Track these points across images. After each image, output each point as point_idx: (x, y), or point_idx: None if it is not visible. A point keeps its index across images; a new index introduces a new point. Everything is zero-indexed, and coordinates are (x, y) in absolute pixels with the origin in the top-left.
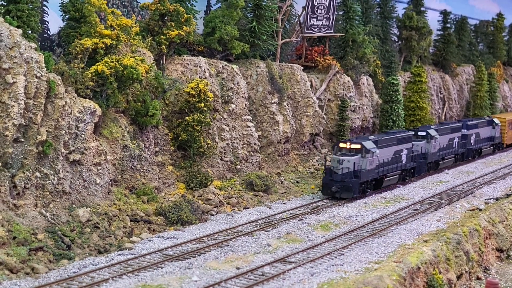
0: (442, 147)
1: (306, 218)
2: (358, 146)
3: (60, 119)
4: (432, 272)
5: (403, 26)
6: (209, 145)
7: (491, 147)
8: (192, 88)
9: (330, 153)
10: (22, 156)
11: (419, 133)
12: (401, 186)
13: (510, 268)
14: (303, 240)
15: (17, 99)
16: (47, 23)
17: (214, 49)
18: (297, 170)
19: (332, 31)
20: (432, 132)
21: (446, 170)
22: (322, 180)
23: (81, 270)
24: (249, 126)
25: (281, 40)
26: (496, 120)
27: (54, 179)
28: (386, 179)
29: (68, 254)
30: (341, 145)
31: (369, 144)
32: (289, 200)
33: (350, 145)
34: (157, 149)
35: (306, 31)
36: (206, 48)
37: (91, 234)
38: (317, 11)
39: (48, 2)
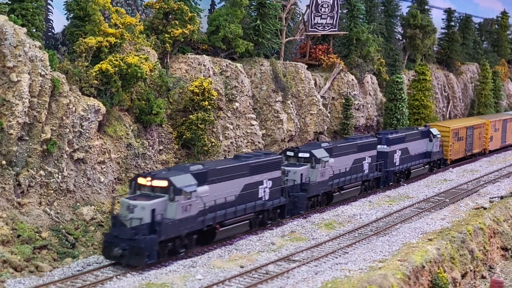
0: (339, 172)
1: (310, 216)
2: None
3: (64, 117)
4: (437, 270)
5: (407, 24)
6: (213, 144)
7: (427, 166)
8: (196, 86)
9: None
10: (26, 154)
11: (300, 155)
12: (405, 184)
13: None
14: (307, 239)
15: (21, 98)
16: (51, 21)
17: (218, 48)
18: None
19: (336, 29)
20: (320, 152)
21: (451, 168)
22: None
23: (85, 268)
24: (253, 125)
25: (285, 38)
26: (434, 131)
27: (58, 178)
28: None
29: (72, 252)
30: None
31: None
32: None
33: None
34: (161, 147)
35: (310, 29)
36: (210, 46)
37: (95, 232)
38: (321, 9)
39: (52, 1)
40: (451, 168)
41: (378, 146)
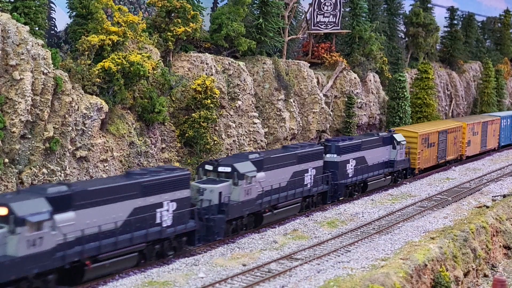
0: (270, 188)
1: (312, 215)
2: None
3: (67, 115)
4: (439, 269)
5: (410, 22)
6: (215, 142)
7: (389, 177)
8: (198, 84)
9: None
10: (29, 152)
11: (220, 169)
12: (407, 183)
13: None
14: (309, 237)
15: (24, 96)
16: (54, 19)
17: (220, 46)
18: None
19: (338, 27)
20: (244, 166)
21: (453, 167)
22: None
23: None
24: (256, 123)
25: (288, 37)
26: (398, 137)
27: (61, 176)
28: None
29: None
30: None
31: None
32: None
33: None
34: (163, 145)
35: (312, 27)
36: (213, 44)
37: None
38: (323, 7)
39: None
40: (453, 167)
41: (327, 156)
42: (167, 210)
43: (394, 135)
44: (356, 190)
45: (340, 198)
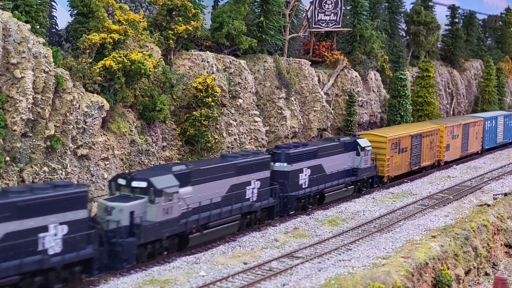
0: (199, 205)
1: (313, 213)
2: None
3: (68, 114)
4: (440, 267)
5: (411, 21)
6: (216, 140)
7: (351, 186)
8: (199, 83)
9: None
10: (30, 150)
11: (134, 184)
12: (409, 181)
13: None
14: (310, 235)
15: (25, 94)
16: (55, 18)
17: (221, 44)
18: None
19: (339, 26)
20: (163, 181)
21: (454, 165)
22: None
23: None
24: (257, 121)
25: (289, 35)
26: (363, 142)
27: (62, 174)
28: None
29: None
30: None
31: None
32: None
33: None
34: (164, 144)
35: (313, 26)
36: (214, 43)
37: None
38: (324, 6)
39: None
40: (454, 165)
41: (276, 165)
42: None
43: (358, 140)
44: (311, 203)
45: (291, 213)
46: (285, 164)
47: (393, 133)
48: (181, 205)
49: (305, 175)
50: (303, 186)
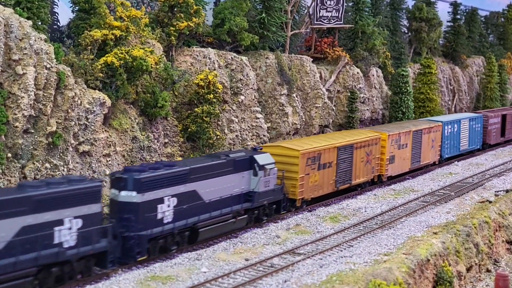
0: None
1: (315, 209)
2: None
3: (69, 110)
4: (442, 264)
5: (413, 17)
6: (218, 137)
7: (245, 216)
8: (201, 79)
9: None
10: (32, 147)
11: None
12: (410, 178)
13: None
14: (312, 232)
15: (27, 90)
16: (57, 14)
17: (223, 41)
18: None
19: (341, 22)
20: None
21: (456, 162)
22: None
23: None
24: (258, 118)
25: (291, 31)
26: (262, 158)
27: (63, 170)
28: None
29: None
30: None
31: None
32: None
33: None
34: (166, 140)
35: (315, 22)
36: (215, 39)
37: None
38: (326, 2)
39: None
40: (456, 162)
41: (121, 194)
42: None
43: (255, 156)
44: (177, 242)
45: (139, 259)
46: (134, 193)
47: (309, 145)
48: None
49: (168, 206)
50: (164, 221)
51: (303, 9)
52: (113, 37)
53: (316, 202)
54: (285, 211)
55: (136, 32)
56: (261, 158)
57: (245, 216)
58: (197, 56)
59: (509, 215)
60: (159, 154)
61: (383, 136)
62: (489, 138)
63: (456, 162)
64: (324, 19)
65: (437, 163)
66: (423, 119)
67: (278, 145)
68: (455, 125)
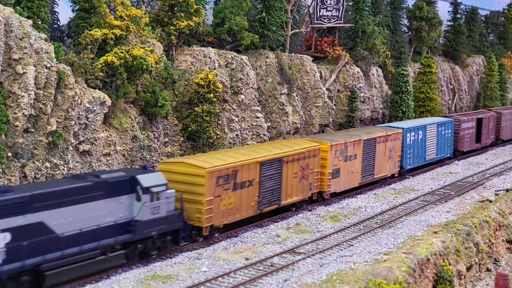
0: None
1: (315, 209)
2: None
3: (70, 109)
4: (442, 263)
5: (413, 16)
6: (218, 136)
7: (120, 252)
8: (201, 78)
9: None
10: (32, 146)
11: None
12: (411, 177)
13: None
14: (312, 231)
15: (27, 90)
16: (57, 13)
17: (223, 40)
18: None
19: (341, 21)
20: None
21: (456, 161)
22: None
23: None
24: (259, 117)
25: (291, 31)
26: (148, 179)
27: (64, 170)
28: None
29: None
30: None
31: None
32: None
33: None
34: (166, 139)
35: (315, 21)
36: (216, 39)
37: None
38: (326, 1)
39: None
40: (456, 161)
41: None
42: None
43: (138, 177)
44: None
45: None
46: None
47: (221, 161)
48: None
49: None
50: None
51: (303, 8)
52: (113, 36)
53: (235, 227)
54: (186, 242)
55: (136, 32)
56: (146, 179)
57: (122, 252)
58: (197, 55)
59: (509, 214)
60: (159, 154)
61: (324, 147)
62: (461, 145)
63: (456, 161)
64: (324, 19)
65: (396, 175)
66: (381, 126)
67: (181, 162)
68: (420, 132)
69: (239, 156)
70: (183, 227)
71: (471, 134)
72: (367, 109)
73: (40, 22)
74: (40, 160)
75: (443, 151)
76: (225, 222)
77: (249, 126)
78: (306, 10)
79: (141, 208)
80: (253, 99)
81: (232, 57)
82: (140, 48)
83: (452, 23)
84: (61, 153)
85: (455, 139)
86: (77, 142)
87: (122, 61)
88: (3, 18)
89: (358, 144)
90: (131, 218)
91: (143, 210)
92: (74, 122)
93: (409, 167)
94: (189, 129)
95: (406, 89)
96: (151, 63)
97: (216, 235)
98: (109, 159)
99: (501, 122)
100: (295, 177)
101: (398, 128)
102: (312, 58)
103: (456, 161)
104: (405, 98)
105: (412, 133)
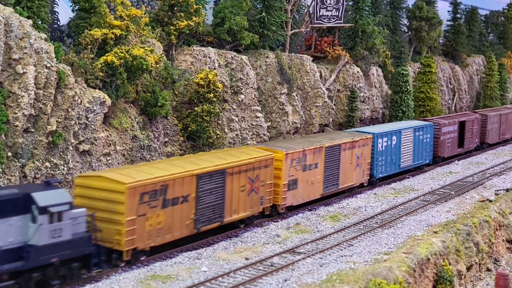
0: None
1: (315, 209)
2: None
3: (70, 109)
4: (442, 263)
5: (413, 16)
6: (218, 136)
7: (8, 283)
8: (201, 78)
9: None
10: (32, 146)
11: None
12: (410, 177)
13: None
14: (312, 231)
15: (27, 90)
16: (57, 13)
17: (223, 40)
18: None
19: (341, 21)
20: None
21: (456, 161)
22: None
23: None
24: (258, 117)
25: (291, 30)
26: (46, 197)
27: (64, 169)
28: None
29: None
30: None
31: None
32: None
33: None
34: (166, 139)
35: (315, 21)
36: (216, 38)
37: None
38: (326, 1)
39: None
40: (456, 161)
41: None
42: None
43: (33, 194)
44: None
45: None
46: None
47: (147, 175)
48: None
49: None
50: None
51: (303, 8)
52: (113, 36)
53: (166, 249)
54: (100, 269)
55: (136, 31)
56: (43, 197)
57: (11, 282)
58: (197, 55)
59: (510, 214)
60: (159, 153)
61: (278, 156)
62: (441, 150)
63: (456, 161)
64: (324, 18)
65: (366, 184)
66: (349, 131)
67: (99, 176)
68: (393, 137)
69: (172, 168)
70: (94, 251)
71: (453, 139)
72: (367, 109)
73: (40, 22)
74: (40, 160)
75: (421, 157)
76: (152, 244)
77: (249, 126)
78: (306, 10)
79: (36, 230)
80: (253, 99)
81: (232, 57)
82: (140, 48)
83: (452, 23)
84: (61, 153)
85: (434, 144)
86: (77, 142)
87: (122, 61)
88: (3, 18)
89: (319, 151)
90: (24, 242)
91: (40, 233)
92: (74, 122)
93: (380, 175)
94: (189, 129)
95: (406, 89)
96: (151, 63)
97: (142, 258)
98: (109, 159)
99: (486, 125)
100: (242, 191)
101: (368, 133)
102: (312, 58)
103: (456, 160)
104: (405, 98)
105: (385, 139)
